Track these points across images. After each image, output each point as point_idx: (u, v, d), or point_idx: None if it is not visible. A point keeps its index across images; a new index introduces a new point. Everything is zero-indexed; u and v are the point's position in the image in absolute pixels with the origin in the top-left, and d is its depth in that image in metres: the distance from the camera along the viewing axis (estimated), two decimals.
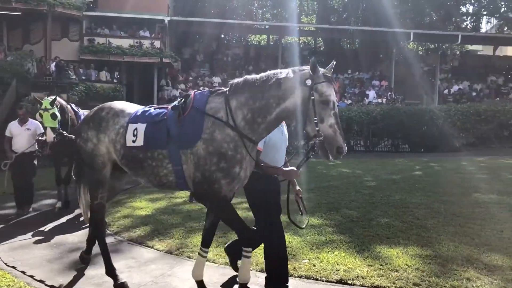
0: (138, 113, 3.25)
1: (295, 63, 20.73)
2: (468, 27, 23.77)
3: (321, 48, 24.92)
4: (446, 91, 21.05)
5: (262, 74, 2.97)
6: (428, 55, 24.14)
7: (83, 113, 6.09)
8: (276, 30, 21.47)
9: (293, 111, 2.82)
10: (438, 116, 14.26)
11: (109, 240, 4.21)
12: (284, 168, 3.18)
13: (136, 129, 3.15)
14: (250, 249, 3.15)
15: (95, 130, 3.35)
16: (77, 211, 5.63)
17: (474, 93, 20.46)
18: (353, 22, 23.41)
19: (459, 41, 20.52)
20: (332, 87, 2.73)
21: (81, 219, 5.26)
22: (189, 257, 4.06)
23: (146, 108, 3.29)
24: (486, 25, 25.76)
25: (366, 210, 5.76)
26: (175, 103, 3.17)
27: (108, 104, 3.52)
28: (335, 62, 2.88)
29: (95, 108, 3.57)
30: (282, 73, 2.89)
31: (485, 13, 23.72)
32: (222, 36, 23.49)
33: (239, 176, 2.92)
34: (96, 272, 3.68)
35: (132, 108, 3.38)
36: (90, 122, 3.43)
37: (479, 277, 3.42)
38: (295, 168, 3.11)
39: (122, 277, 3.40)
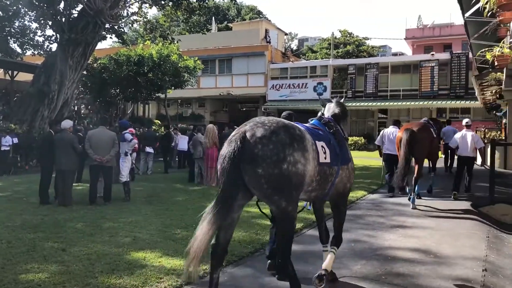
0: (310, 131, 4.10)
1: None
2: None
3: None
4: None
5: (334, 105, 4.97)
6: None
7: None
8: None
9: None
10: None
11: None
12: None
13: (322, 146, 4.03)
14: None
15: (300, 151, 3.66)
16: None
17: None
18: None
19: None
20: None
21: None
22: None
23: (305, 125, 4.28)
24: None
25: None
26: (318, 122, 4.64)
27: (281, 120, 3.87)
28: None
29: (277, 126, 3.66)
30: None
31: None
32: None
33: None
34: None
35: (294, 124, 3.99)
36: (293, 143, 3.63)
37: None
38: None
39: None
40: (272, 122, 3.71)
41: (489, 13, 7.11)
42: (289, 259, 3.84)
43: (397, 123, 11.40)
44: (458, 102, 27.85)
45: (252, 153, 3.50)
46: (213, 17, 47.34)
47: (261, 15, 55.14)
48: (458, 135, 10.64)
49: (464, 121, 11.06)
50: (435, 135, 10.55)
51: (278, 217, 3.76)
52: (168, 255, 5.41)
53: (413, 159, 9.31)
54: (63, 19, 16.98)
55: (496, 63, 9.82)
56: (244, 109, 40.97)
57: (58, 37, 17.45)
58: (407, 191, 9.36)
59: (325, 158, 4.01)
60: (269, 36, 36.89)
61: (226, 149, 3.58)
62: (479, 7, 7.48)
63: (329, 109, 4.97)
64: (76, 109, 25.56)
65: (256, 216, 7.92)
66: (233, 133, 3.67)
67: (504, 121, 19.93)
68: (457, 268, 5.20)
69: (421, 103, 28.90)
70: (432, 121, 11.66)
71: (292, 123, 3.97)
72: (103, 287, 4.28)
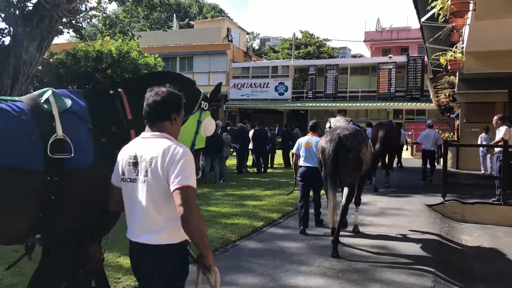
0: (364, 132, 6.86)
1: None
2: None
3: None
4: None
5: (342, 116, 7.37)
6: None
7: None
8: None
9: None
10: None
11: None
12: None
13: (369, 142, 6.81)
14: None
15: (366, 146, 6.32)
16: None
17: None
18: None
19: None
20: None
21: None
22: None
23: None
24: None
25: None
26: (355, 125, 6.79)
27: (354, 126, 6.61)
28: None
29: (355, 130, 6.27)
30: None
31: None
32: None
33: None
34: None
35: None
36: (364, 140, 6.34)
37: None
38: None
39: None
40: (351, 128, 6.31)
41: (443, 19, 7.41)
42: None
43: (370, 125, 13.83)
44: (413, 103, 28.75)
45: (346, 145, 5.89)
46: (175, 14, 46.83)
47: (223, 14, 55.01)
48: (423, 133, 13.32)
49: (427, 122, 14.02)
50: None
51: (350, 185, 6.14)
52: (126, 255, 5.31)
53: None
54: (17, 12, 16.32)
55: (449, 67, 10.23)
56: None
57: (12, 30, 16.77)
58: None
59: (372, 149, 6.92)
60: (231, 35, 36.87)
61: (327, 144, 5.94)
62: (434, 13, 7.76)
63: (341, 119, 7.13)
64: None
65: (217, 215, 7.93)
66: (329, 136, 6.05)
67: (457, 122, 20.78)
68: (411, 264, 5.40)
69: (378, 104, 29.67)
70: None
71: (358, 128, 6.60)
72: None
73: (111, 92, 2.92)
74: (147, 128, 2.46)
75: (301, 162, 7.08)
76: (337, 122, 7.05)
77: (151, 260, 2.36)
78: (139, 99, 2.55)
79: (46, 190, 2.46)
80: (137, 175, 2.36)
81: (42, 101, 2.66)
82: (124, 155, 2.47)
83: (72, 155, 2.51)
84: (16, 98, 2.66)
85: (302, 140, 7.23)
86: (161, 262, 2.35)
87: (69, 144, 2.53)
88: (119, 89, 2.90)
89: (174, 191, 2.22)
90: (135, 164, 2.37)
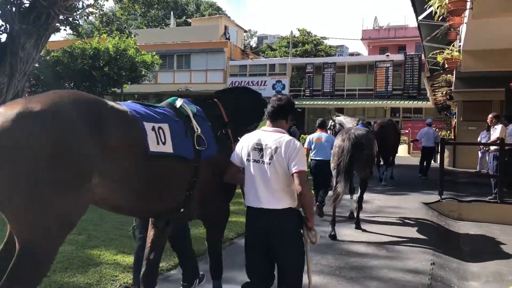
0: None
1: None
2: None
3: None
4: None
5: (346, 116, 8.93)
6: None
7: None
8: None
9: None
10: None
11: None
12: None
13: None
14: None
15: (375, 143, 7.42)
16: None
17: None
18: None
19: None
20: None
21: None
22: None
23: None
24: None
25: None
26: (362, 125, 8.09)
27: (363, 127, 7.73)
28: None
29: (366, 131, 7.31)
30: None
31: None
32: None
33: None
34: None
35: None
36: (374, 139, 7.46)
37: None
38: None
39: None
40: (362, 129, 7.23)
41: (440, 18, 7.42)
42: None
43: (369, 124, 14.49)
44: (411, 102, 28.79)
45: (360, 143, 6.66)
46: (172, 12, 46.73)
47: (220, 11, 54.91)
48: (423, 131, 14.29)
49: (427, 120, 14.92)
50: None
51: (364, 178, 7.22)
52: (124, 252, 5.34)
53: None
54: (14, 9, 16.24)
55: (446, 66, 10.25)
56: None
57: (8, 27, 16.70)
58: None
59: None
60: (228, 33, 36.81)
61: (344, 142, 6.60)
62: (431, 11, 7.77)
63: (349, 118, 8.38)
64: None
65: None
66: (345, 135, 6.72)
67: (454, 121, 20.80)
68: (408, 261, 5.42)
69: (376, 102, 29.69)
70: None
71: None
72: (56, 286, 4.18)
73: (209, 101, 3.82)
74: (268, 123, 3.28)
75: (311, 156, 7.92)
76: (345, 121, 8.19)
77: (278, 220, 3.07)
78: (229, 106, 3.78)
79: (193, 173, 3.21)
80: (261, 157, 3.11)
81: (177, 107, 3.36)
82: (249, 141, 3.21)
83: (206, 147, 3.28)
84: (159, 105, 3.36)
85: (313, 136, 8.13)
86: (286, 222, 3.10)
87: (203, 139, 3.30)
88: (215, 99, 3.83)
89: (293, 173, 3.00)
90: (260, 149, 3.13)
